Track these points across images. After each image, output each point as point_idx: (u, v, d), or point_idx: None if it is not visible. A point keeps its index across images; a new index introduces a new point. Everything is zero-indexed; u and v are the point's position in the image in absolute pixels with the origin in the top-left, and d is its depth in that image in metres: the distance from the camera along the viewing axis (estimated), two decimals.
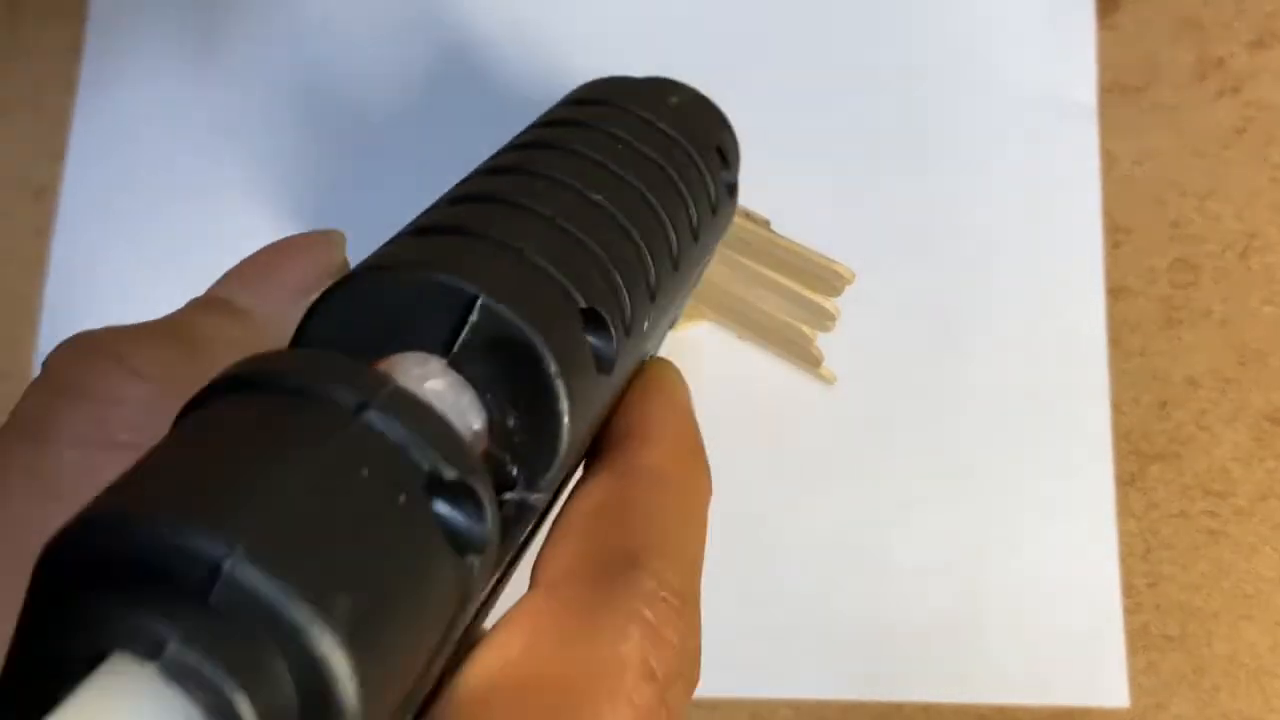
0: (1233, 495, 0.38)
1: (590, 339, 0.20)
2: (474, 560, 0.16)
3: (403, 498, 0.15)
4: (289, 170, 0.41)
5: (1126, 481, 0.38)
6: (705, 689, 0.37)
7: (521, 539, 0.19)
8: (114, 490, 0.13)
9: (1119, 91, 0.41)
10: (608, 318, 0.20)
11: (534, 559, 0.20)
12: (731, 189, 0.29)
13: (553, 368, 0.18)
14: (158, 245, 0.41)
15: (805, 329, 0.37)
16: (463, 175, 0.23)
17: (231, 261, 0.23)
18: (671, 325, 0.28)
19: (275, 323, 0.22)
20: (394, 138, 0.42)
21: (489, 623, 0.19)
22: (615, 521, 0.20)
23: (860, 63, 0.42)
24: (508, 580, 0.20)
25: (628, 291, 0.21)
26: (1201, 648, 0.37)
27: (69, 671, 0.12)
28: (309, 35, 0.43)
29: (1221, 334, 0.39)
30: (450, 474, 0.15)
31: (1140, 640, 0.37)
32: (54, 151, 0.42)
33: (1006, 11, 0.42)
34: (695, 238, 0.25)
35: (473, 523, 0.15)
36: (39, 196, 0.42)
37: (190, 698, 0.12)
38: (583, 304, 0.20)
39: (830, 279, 0.34)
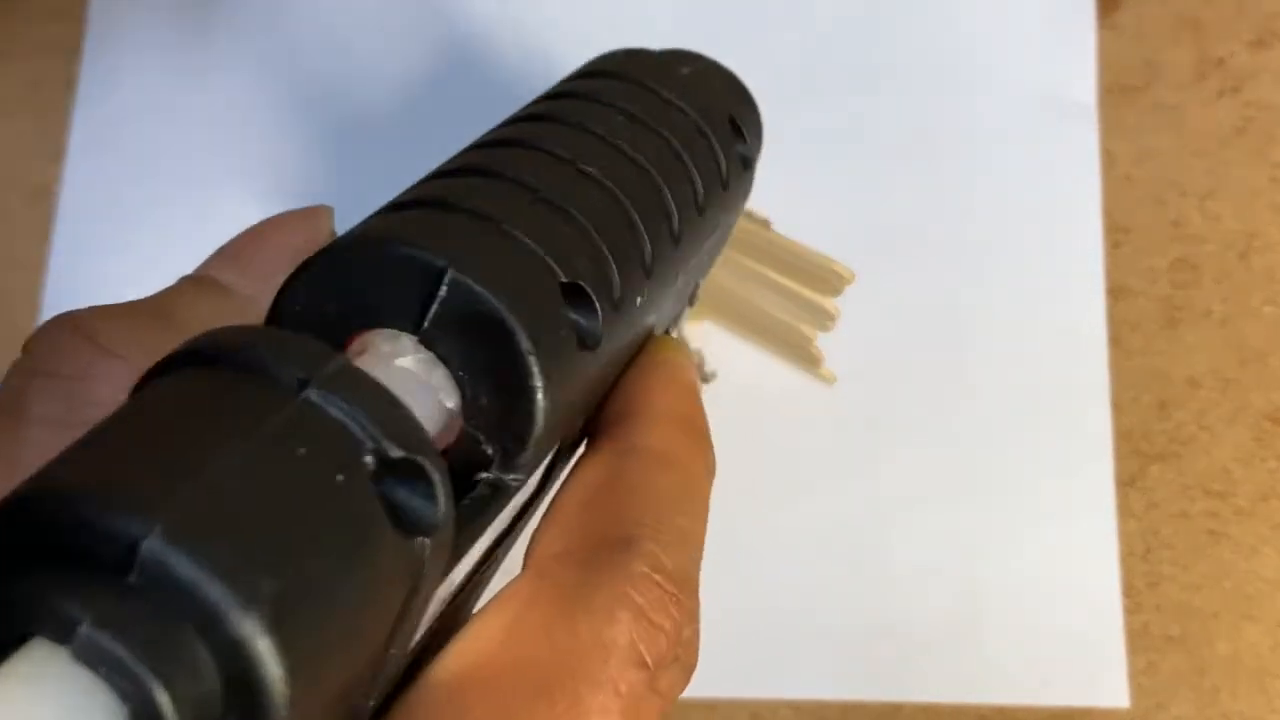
0: (1233, 495, 0.38)
1: (572, 315, 0.19)
2: (424, 542, 0.15)
3: (341, 477, 0.14)
4: (288, 168, 0.41)
5: (1127, 481, 0.38)
6: (705, 689, 0.37)
7: (499, 520, 0.19)
8: (44, 469, 0.13)
9: (1119, 91, 0.41)
10: (592, 293, 0.19)
11: (527, 541, 0.20)
12: (747, 162, 0.27)
13: (524, 343, 0.17)
14: (157, 244, 0.41)
15: (805, 329, 0.37)
16: None
17: None
18: (690, 301, 0.27)
19: (258, 300, 0.21)
20: (393, 134, 0.42)
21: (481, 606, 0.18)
22: (610, 502, 0.19)
23: (861, 63, 0.42)
24: (498, 561, 0.20)
25: (618, 266, 0.20)
26: (1202, 648, 0.37)
27: None
28: (308, 33, 0.43)
29: (1222, 334, 0.39)
30: (397, 452, 0.15)
31: (1141, 640, 0.37)
32: (53, 151, 0.42)
33: (1007, 12, 0.42)
34: (700, 211, 0.24)
35: (423, 503, 0.15)
36: (38, 196, 0.42)
37: (106, 682, 0.12)
38: (564, 278, 0.19)
39: (830, 279, 0.34)
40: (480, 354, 0.18)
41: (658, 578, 0.18)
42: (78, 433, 0.14)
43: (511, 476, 0.18)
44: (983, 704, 0.37)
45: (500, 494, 0.18)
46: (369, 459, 0.14)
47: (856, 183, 0.40)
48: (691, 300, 0.27)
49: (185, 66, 0.43)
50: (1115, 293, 0.40)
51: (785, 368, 0.39)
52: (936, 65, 0.41)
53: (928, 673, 0.37)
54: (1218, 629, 0.37)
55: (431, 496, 0.15)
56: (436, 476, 0.15)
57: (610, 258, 0.20)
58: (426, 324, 0.18)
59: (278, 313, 0.18)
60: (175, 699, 0.12)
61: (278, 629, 0.12)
